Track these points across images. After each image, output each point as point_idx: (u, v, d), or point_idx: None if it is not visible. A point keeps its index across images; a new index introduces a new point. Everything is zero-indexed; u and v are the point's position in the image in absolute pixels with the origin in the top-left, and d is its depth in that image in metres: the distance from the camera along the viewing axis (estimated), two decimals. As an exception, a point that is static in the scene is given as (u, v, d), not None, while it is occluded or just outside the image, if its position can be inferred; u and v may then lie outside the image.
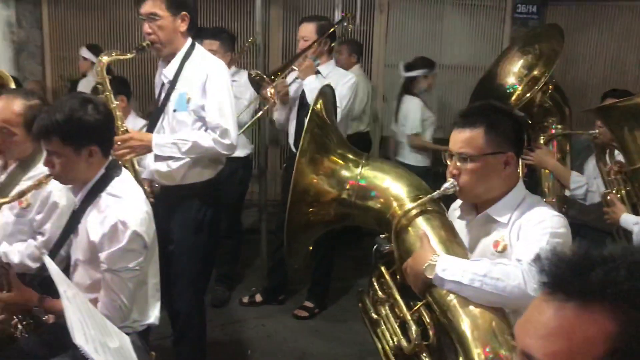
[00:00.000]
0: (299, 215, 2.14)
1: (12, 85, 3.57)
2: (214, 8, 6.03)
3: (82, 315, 1.56)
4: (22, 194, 2.24)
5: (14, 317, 2.28)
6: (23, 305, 2.22)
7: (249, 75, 3.58)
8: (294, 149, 3.95)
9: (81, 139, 2.07)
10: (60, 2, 6.14)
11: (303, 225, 2.18)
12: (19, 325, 2.28)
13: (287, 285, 4.22)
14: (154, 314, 2.28)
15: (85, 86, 5.29)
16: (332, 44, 3.90)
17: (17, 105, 2.50)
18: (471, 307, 1.72)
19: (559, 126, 3.21)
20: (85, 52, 5.24)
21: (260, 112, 3.81)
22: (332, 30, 3.84)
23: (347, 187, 2.11)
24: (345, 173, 2.14)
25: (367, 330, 2.13)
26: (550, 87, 3.17)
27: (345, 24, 4.14)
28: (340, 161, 2.18)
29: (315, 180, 2.14)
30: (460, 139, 1.92)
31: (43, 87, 5.90)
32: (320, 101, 2.27)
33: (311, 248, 2.46)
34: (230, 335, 3.76)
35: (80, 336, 1.39)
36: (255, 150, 4.74)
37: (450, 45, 6.25)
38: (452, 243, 1.91)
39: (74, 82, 5.75)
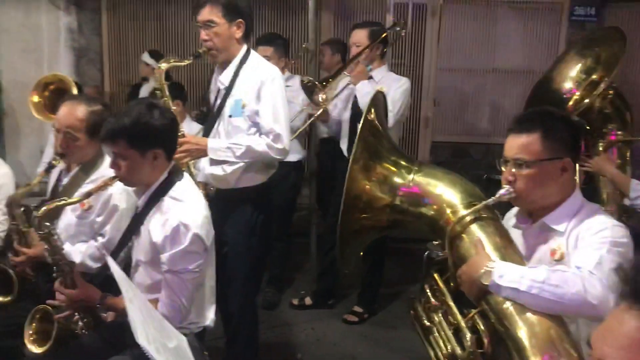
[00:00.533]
0: (351, 221, 2.16)
1: (75, 91, 3.72)
2: (267, 14, 6.11)
3: (143, 316, 1.61)
4: (88, 194, 2.32)
5: (76, 314, 2.37)
6: (85, 303, 2.30)
7: (302, 81, 3.62)
8: (345, 154, 3.97)
9: (147, 142, 2.15)
10: (118, 11, 6.35)
11: (355, 231, 2.20)
12: (80, 322, 2.37)
13: (337, 289, 4.23)
14: (209, 316, 2.33)
15: (146, 90, 5.47)
16: (385, 49, 3.91)
17: (80, 111, 2.61)
18: (528, 315, 1.69)
19: (620, 133, 3.11)
20: (146, 58, 5.41)
21: (313, 118, 3.84)
22: (384, 35, 3.85)
23: (400, 193, 2.12)
24: (397, 179, 2.14)
25: (417, 337, 2.13)
26: (611, 92, 3.07)
27: (398, 29, 4.14)
28: (393, 167, 2.19)
29: (367, 187, 2.15)
30: (516, 144, 1.90)
31: (101, 91, 6.12)
32: (373, 109, 2.28)
33: (362, 253, 2.47)
34: (280, 338, 3.80)
35: (142, 337, 1.43)
36: (306, 154, 4.78)
37: (504, 49, 6.15)
38: (508, 250, 1.88)
39: (135, 86, 5.94)
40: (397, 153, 2.26)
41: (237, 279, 2.83)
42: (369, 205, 2.15)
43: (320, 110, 3.78)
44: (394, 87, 3.73)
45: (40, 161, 4.45)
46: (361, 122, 2.22)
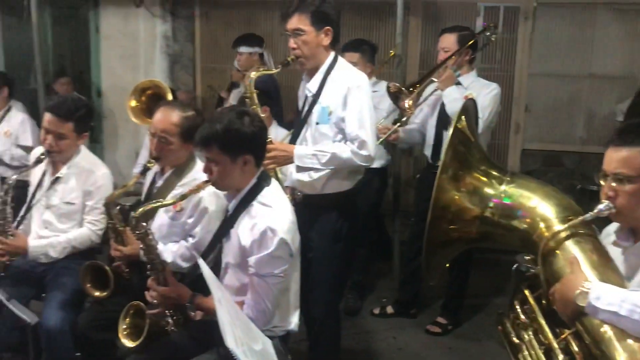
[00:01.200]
0: (439, 232, 2.12)
1: (169, 96, 3.89)
2: (354, 19, 6.11)
3: (231, 317, 1.65)
4: (183, 196, 2.41)
5: (167, 311, 2.47)
6: (176, 300, 2.39)
7: (387, 88, 3.59)
8: (430, 161, 3.91)
9: (237, 148, 2.21)
10: (211, 18, 6.56)
11: (442, 242, 2.15)
12: (170, 320, 2.47)
13: (420, 299, 4.16)
14: (293, 321, 2.36)
15: (237, 96, 5.62)
16: (474, 54, 3.82)
17: (175, 116, 2.71)
18: (629, 341, 1.59)
19: None
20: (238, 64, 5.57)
21: (398, 124, 3.81)
22: (473, 40, 3.76)
23: (490, 205, 2.06)
24: (488, 190, 2.08)
25: (503, 352, 2.06)
26: None
27: (488, 33, 4.02)
28: (483, 178, 2.13)
29: (456, 197, 2.11)
30: (616, 158, 1.78)
31: (193, 96, 6.34)
32: (463, 117, 2.23)
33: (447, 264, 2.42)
34: (361, 345, 3.78)
35: (231, 339, 1.47)
36: (392, 160, 4.74)
37: (602, 53, 5.83)
38: (606, 269, 1.78)
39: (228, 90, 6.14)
40: (488, 162, 2.20)
41: (322, 284, 2.84)
42: (458, 216, 2.10)
43: (405, 117, 3.73)
44: (483, 93, 3.64)
45: (136, 162, 4.67)
46: (451, 130, 2.17)
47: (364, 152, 2.71)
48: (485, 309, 4.21)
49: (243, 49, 4.84)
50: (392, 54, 4.56)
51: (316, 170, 2.76)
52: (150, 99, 3.97)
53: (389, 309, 4.13)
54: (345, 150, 2.72)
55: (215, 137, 2.19)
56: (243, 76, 5.52)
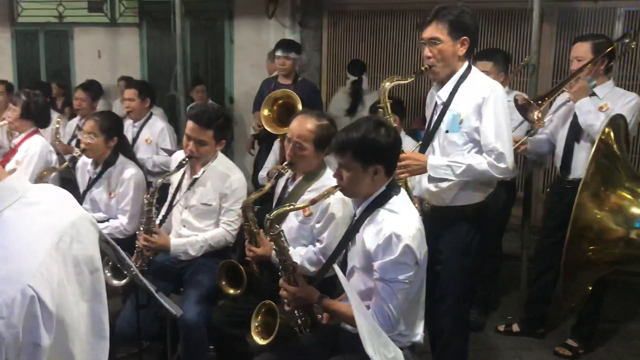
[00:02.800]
0: (579, 253, 2.02)
1: (299, 106, 4.01)
2: (487, 27, 5.97)
3: (367, 323, 1.68)
4: (313, 201, 2.50)
5: (296, 312, 2.56)
6: (305, 301, 2.47)
7: (515, 101, 3.47)
8: (560, 174, 3.73)
9: (370, 157, 2.25)
10: (339, 27, 6.71)
11: (582, 264, 2.06)
12: (299, 321, 2.55)
13: (548, 318, 3.97)
14: (419, 332, 2.35)
15: (334, 101, 5.71)
16: (611, 63, 3.58)
17: (310, 124, 2.81)
18: None
19: None
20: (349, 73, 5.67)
21: (526, 136, 3.67)
22: (610, 49, 3.53)
23: (637, 226, 1.93)
24: (635, 210, 1.96)
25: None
26: None
27: (627, 40, 3.76)
28: (629, 196, 2.01)
29: (598, 216, 2.01)
30: None
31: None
32: (608, 129, 2.12)
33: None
34: (484, 363, 3.69)
35: (369, 346, 1.49)
36: (521, 172, 4.58)
37: None
38: None
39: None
40: (636, 180, 2.07)
41: (450, 297, 2.80)
42: (600, 237, 2.00)
43: (537, 128, 3.58)
44: (620, 104, 3.41)
45: (264, 167, 4.86)
46: (595, 144, 2.07)
47: (501, 165, 2.65)
48: (620, 334, 3.94)
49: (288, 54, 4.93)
50: (526, 61, 4.39)
51: (447, 180, 2.73)
52: (281, 109, 4.11)
53: (515, 327, 3.98)
54: (481, 162, 2.66)
55: (350, 144, 2.24)
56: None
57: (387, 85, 2.81)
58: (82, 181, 3.72)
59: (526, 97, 3.47)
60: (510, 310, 4.25)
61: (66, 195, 1.30)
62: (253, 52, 6.92)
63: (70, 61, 8.06)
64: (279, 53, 4.95)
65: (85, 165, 3.71)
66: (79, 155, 3.68)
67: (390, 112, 2.83)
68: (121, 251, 2.34)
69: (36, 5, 8.08)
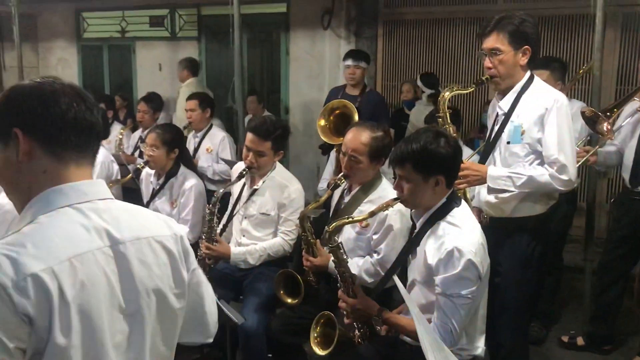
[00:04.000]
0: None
1: (356, 116, 4.03)
2: (546, 34, 5.85)
3: (429, 336, 1.67)
4: (372, 213, 2.50)
5: (355, 323, 2.56)
6: (364, 313, 2.47)
7: (582, 114, 3.37)
8: (628, 185, 3.61)
9: (431, 168, 2.24)
10: (394, 37, 6.70)
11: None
12: (358, 332, 2.56)
13: (615, 334, 3.82)
14: (480, 346, 2.32)
15: (415, 113, 5.70)
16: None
17: (365, 136, 2.82)
18: None
19: None
20: (419, 82, 5.65)
21: (597, 146, 3.56)
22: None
23: None
24: None
25: None
26: None
27: None
28: None
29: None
30: None
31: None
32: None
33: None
34: (546, 377, 3.59)
35: (432, 359, 1.49)
36: (582, 182, 4.45)
37: None
38: None
39: (400, 109, 6.25)
40: None
41: (510, 310, 2.75)
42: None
43: (605, 140, 3.47)
44: None
45: (321, 177, 4.90)
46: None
47: (564, 177, 2.59)
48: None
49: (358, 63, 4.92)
50: (586, 68, 4.27)
51: (507, 192, 2.69)
52: (338, 119, 4.13)
53: (580, 340, 3.83)
54: (543, 174, 2.61)
55: (410, 156, 2.24)
56: (421, 93, 5.59)
57: (447, 94, 2.79)
58: (145, 192, 3.85)
59: (593, 109, 3.38)
60: (573, 324, 4.11)
61: (147, 215, 1.36)
62: (308, 63, 6.99)
63: (132, 74, 8.36)
64: (348, 62, 4.98)
65: (148, 177, 3.83)
66: (143, 167, 3.81)
67: (449, 121, 2.80)
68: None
69: (100, 21, 8.44)
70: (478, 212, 2.83)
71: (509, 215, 2.74)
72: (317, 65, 6.95)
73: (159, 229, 1.34)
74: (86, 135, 1.26)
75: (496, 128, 2.79)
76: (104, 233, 1.22)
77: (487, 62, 2.70)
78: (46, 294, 1.09)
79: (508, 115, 2.73)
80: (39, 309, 1.08)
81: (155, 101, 5.48)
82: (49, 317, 1.09)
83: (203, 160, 4.79)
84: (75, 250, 1.16)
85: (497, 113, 2.81)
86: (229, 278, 3.31)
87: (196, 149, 4.84)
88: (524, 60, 2.68)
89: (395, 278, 2.09)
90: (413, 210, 2.46)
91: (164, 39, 8.00)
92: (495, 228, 2.72)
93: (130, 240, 1.26)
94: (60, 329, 1.11)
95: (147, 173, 3.84)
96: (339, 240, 2.64)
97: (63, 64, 8.87)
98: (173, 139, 3.66)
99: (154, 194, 3.73)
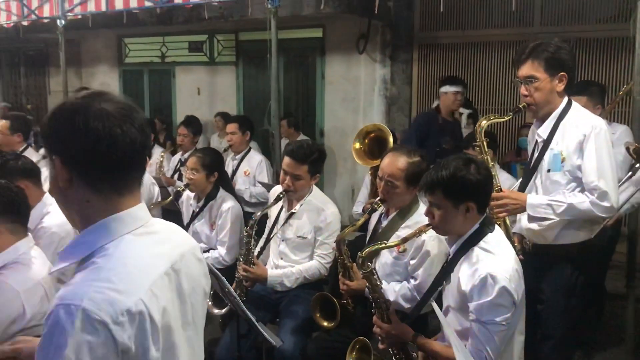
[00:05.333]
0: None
1: (391, 140, 4.04)
2: (583, 58, 5.80)
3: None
4: (405, 239, 2.50)
5: (390, 349, 2.56)
6: (399, 338, 2.47)
7: (627, 149, 3.31)
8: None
9: (461, 195, 2.24)
10: (429, 61, 6.73)
11: None
12: (393, 358, 2.55)
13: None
14: (516, 372, 2.28)
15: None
16: None
17: (401, 161, 2.84)
18: None
19: None
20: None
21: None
22: None
23: None
24: None
25: None
26: None
27: None
28: None
29: None
30: None
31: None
32: None
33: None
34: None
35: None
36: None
37: None
38: None
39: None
40: None
41: (553, 339, 2.70)
42: None
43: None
44: None
45: (355, 200, 4.92)
46: None
47: (605, 204, 2.54)
48: None
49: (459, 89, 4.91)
50: (625, 90, 4.21)
51: (548, 219, 2.65)
52: (373, 142, 4.15)
53: (624, 371, 3.75)
54: (583, 201, 2.56)
55: (440, 183, 2.24)
56: (460, 116, 5.60)
57: (484, 123, 2.78)
58: (186, 214, 3.94)
59: (636, 144, 3.30)
60: (616, 353, 4.00)
61: (179, 230, 1.44)
62: (343, 86, 7.07)
63: (172, 98, 8.57)
64: (451, 89, 4.95)
65: (188, 199, 3.92)
66: (183, 190, 3.90)
67: (486, 149, 2.79)
68: (225, 281, 2.46)
69: (142, 46, 8.70)
70: (520, 238, 2.80)
71: (552, 242, 2.70)
72: (352, 89, 7.02)
73: (191, 240, 1.45)
74: (134, 157, 1.24)
75: (536, 155, 2.76)
76: (164, 256, 1.29)
77: (523, 90, 2.68)
78: (141, 323, 1.14)
79: (547, 143, 2.70)
80: (136, 338, 1.14)
81: (194, 125, 5.61)
82: (144, 344, 1.15)
83: (241, 183, 4.87)
84: (150, 277, 1.21)
85: (537, 140, 2.78)
86: (265, 300, 3.34)
87: (234, 172, 4.92)
88: (560, 87, 2.65)
89: (434, 304, 2.09)
90: (445, 237, 2.46)
91: (202, 64, 8.20)
92: (538, 255, 2.69)
93: (180, 257, 1.34)
94: (154, 351, 1.17)
95: (187, 195, 3.93)
96: (373, 266, 2.65)
97: (105, 88, 9.05)
98: (213, 162, 3.74)
99: (194, 216, 3.81)
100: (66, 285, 1.15)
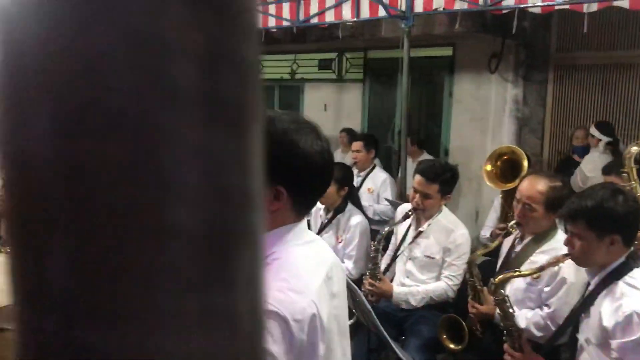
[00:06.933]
0: None
1: (525, 163, 3.92)
2: None
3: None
4: (541, 268, 2.43)
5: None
6: None
7: None
8: None
9: (606, 227, 2.13)
10: (565, 81, 6.45)
11: None
12: (525, 388, 2.47)
13: None
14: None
15: (589, 160, 5.37)
16: None
17: (542, 185, 2.76)
18: None
19: None
20: (593, 130, 5.37)
21: None
22: None
23: None
24: None
25: None
26: None
27: None
28: None
29: None
30: None
31: (540, 160, 6.28)
32: None
33: None
34: None
35: None
36: None
37: None
38: None
39: (567, 158, 5.96)
40: None
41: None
42: None
43: None
44: None
45: (481, 223, 4.81)
46: None
47: None
48: None
49: None
50: None
51: None
52: (505, 164, 4.06)
53: None
54: None
55: (584, 212, 2.15)
56: (597, 142, 5.31)
57: (634, 150, 2.65)
58: (314, 224, 4.06)
59: None
60: None
61: (321, 239, 1.51)
62: (472, 106, 6.94)
63: (300, 113, 8.88)
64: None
65: (318, 211, 4.04)
66: (314, 201, 4.02)
67: (635, 177, 2.65)
68: (360, 294, 2.51)
69: (273, 63, 9.09)
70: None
71: None
72: (481, 109, 6.87)
73: (331, 251, 1.50)
74: (327, 178, 1.35)
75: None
76: (322, 264, 1.36)
77: None
78: (312, 321, 1.22)
79: None
80: (309, 336, 1.21)
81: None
82: (315, 341, 1.22)
83: (364, 200, 4.91)
84: (315, 283, 1.29)
85: None
86: (390, 317, 3.35)
87: (358, 189, 4.98)
88: None
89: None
90: (585, 268, 2.36)
91: (331, 81, 8.42)
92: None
93: (331, 265, 1.40)
94: (321, 349, 1.24)
95: (317, 207, 4.05)
96: (506, 293, 2.59)
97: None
98: (343, 177, 3.84)
99: (322, 228, 3.92)
100: None
